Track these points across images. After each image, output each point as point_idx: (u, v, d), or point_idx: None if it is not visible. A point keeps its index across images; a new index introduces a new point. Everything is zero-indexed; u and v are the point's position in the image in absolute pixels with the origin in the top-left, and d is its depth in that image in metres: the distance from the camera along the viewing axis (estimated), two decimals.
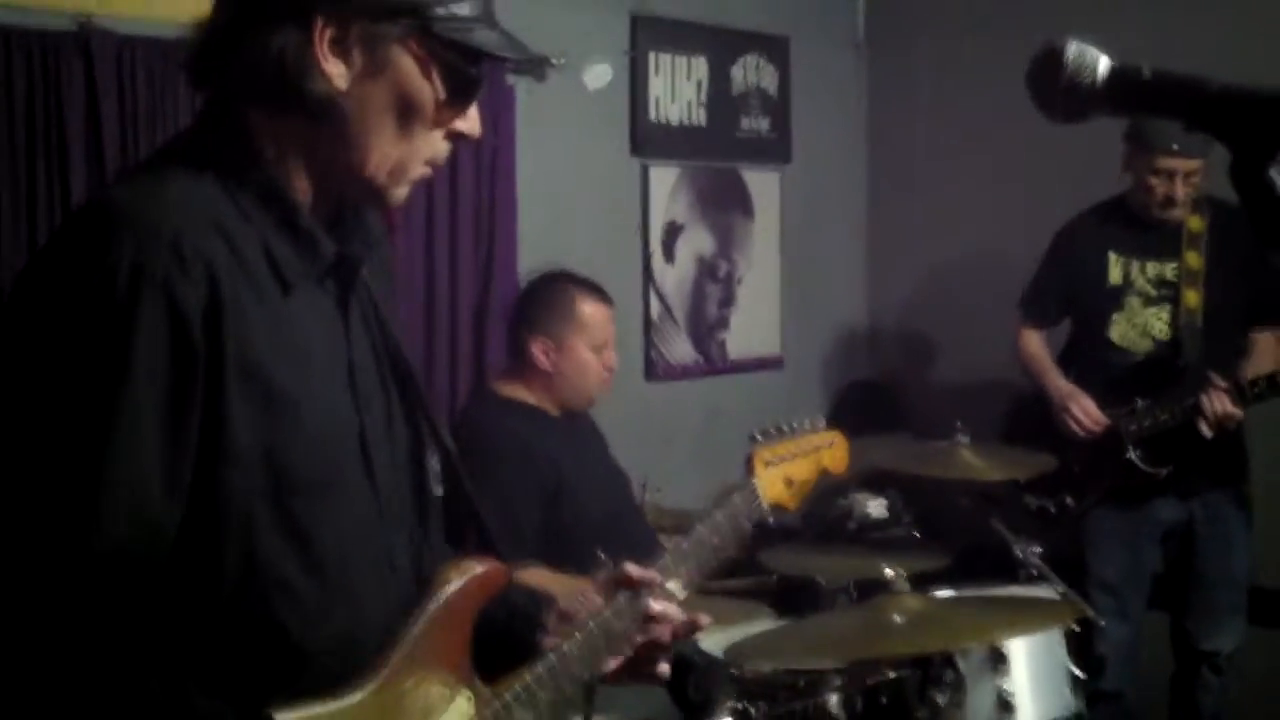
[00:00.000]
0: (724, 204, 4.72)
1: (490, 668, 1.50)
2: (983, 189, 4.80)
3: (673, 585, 1.68)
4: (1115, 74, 1.14)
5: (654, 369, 4.51)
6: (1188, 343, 3.67)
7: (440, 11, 1.33)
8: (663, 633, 1.64)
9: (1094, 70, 1.13)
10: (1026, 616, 2.62)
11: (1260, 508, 3.76)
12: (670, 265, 4.56)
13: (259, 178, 1.32)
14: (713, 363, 4.70)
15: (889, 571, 2.50)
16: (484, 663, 1.49)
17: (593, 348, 3.10)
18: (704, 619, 1.67)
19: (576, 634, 1.57)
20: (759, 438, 1.92)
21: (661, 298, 4.53)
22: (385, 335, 1.49)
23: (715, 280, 4.70)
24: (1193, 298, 3.71)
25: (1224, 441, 3.60)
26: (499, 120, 3.92)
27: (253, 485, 1.27)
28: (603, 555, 2.58)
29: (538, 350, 3.07)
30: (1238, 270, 3.60)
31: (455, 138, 1.40)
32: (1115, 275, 3.74)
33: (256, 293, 1.28)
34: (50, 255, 1.30)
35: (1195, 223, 3.71)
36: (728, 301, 4.74)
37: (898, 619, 2.46)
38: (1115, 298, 3.74)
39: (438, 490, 1.53)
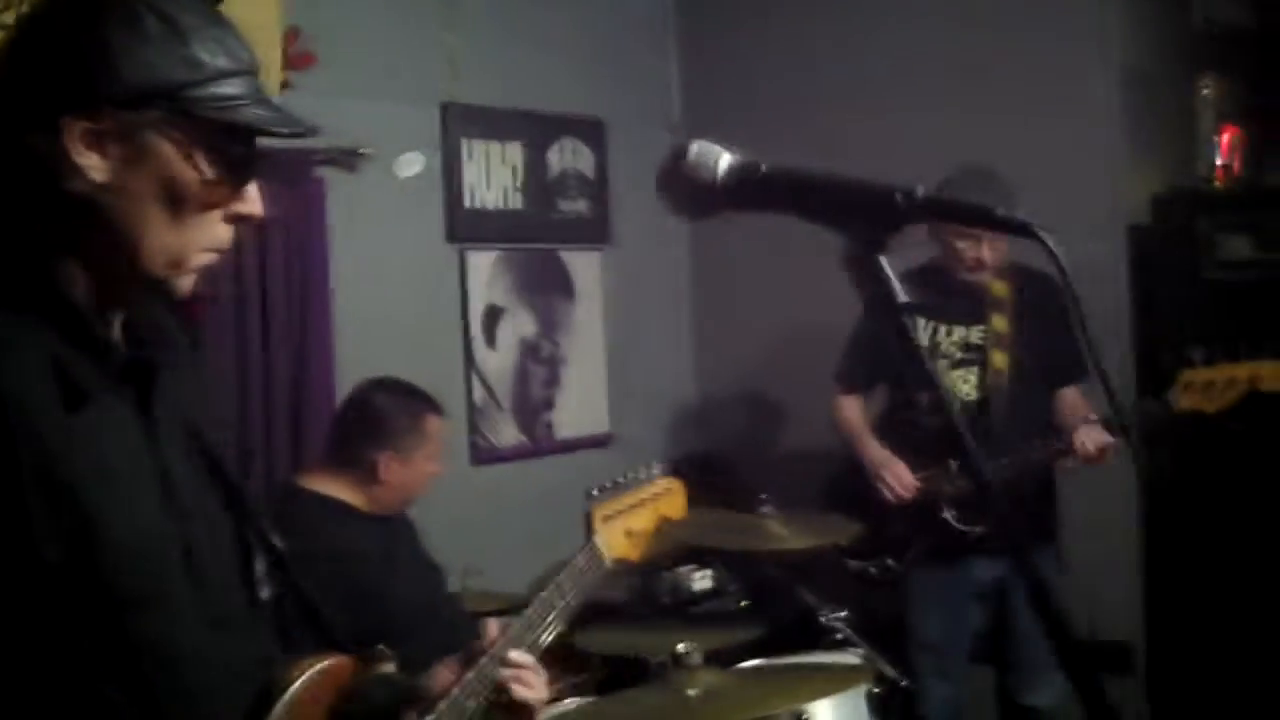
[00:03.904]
0: (544, 286, 4.75)
1: None
2: (803, 261, 4.86)
3: (515, 655, 1.75)
4: (733, 170, 1.15)
5: (479, 453, 4.48)
6: (996, 403, 3.78)
7: (197, 93, 1.29)
8: (521, 691, 1.72)
9: (714, 167, 1.15)
10: (823, 682, 2.64)
11: (1074, 561, 3.85)
12: (492, 349, 4.55)
13: (41, 289, 1.28)
14: (539, 444, 4.69)
15: (681, 646, 2.50)
16: None
17: (432, 459, 3.15)
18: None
19: (441, 705, 1.61)
20: (596, 493, 1.97)
21: (484, 381, 4.51)
22: (201, 440, 1.45)
23: (539, 361, 4.71)
24: (1000, 360, 3.82)
25: (1035, 500, 3.69)
26: (310, 212, 3.89)
27: (68, 603, 1.22)
28: (383, 648, 2.54)
29: (384, 462, 3.05)
30: (1041, 332, 3.72)
31: (237, 220, 1.35)
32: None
33: (50, 409, 1.24)
34: None
35: (999, 288, 3.82)
36: (552, 382, 4.75)
37: (692, 693, 2.45)
38: None
39: (264, 593, 1.51)
